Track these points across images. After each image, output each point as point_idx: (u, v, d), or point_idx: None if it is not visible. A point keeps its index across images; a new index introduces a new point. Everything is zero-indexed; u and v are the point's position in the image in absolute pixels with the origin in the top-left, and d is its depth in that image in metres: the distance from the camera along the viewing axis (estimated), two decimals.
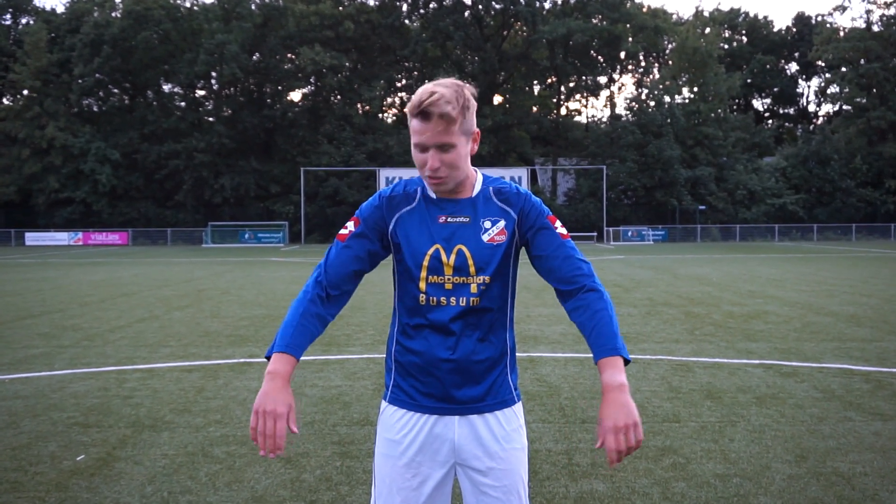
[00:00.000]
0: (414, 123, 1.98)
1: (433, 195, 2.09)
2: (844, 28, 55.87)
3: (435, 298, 2.03)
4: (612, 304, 2.01)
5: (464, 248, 2.03)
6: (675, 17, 63.74)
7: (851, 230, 49.02)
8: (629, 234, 47.17)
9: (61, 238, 46.73)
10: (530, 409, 5.52)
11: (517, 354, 2.21)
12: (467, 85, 2.01)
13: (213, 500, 3.86)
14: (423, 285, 2.04)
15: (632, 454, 4.48)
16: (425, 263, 2.03)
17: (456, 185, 2.05)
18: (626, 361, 1.91)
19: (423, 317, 2.05)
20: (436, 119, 1.94)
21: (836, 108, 60.63)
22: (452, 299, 2.03)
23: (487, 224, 2.05)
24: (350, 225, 2.11)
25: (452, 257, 2.02)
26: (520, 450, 2.09)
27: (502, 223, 2.06)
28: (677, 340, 8.57)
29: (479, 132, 2.06)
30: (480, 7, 54.19)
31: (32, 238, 46.75)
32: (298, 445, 4.73)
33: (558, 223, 2.09)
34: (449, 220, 2.05)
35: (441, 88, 1.94)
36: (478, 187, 2.10)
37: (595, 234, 48.43)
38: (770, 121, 66.97)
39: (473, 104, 2.01)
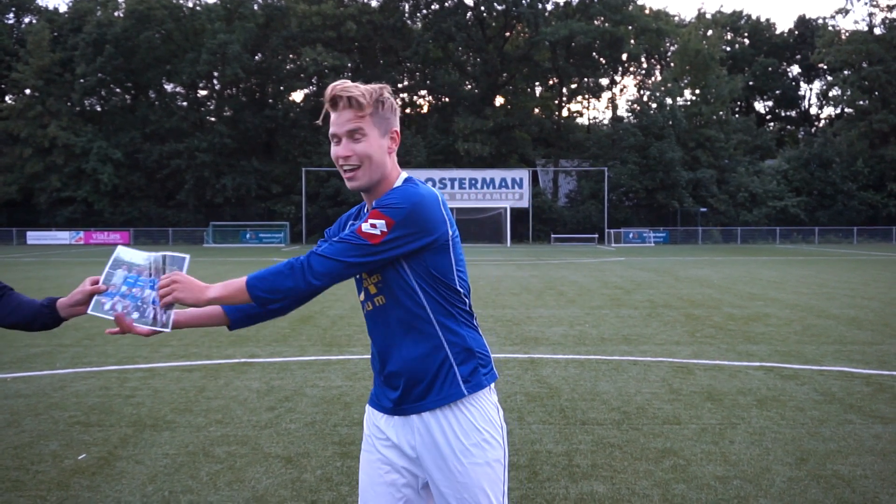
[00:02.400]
0: (330, 118, 2.05)
1: (366, 210, 2.17)
2: (846, 31, 55.85)
3: (365, 302, 2.15)
4: (300, 269, 1.94)
5: None
6: (677, 19, 63.73)
7: (853, 233, 48.99)
8: (630, 235, 47.16)
9: (63, 237, 46.76)
10: (531, 410, 5.53)
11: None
12: (388, 87, 2.08)
13: (214, 500, 3.87)
14: (362, 295, 2.16)
15: (633, 456, 4.49)
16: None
17: (373, 183, 2.05)
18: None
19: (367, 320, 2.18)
20: (343, 104, 2.00)
21: (838, 110, 60.58)
22: (368, 303, 2.13)
23: None
24: None
25: None
26: (482, 465, 2.03)
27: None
28: (678, 342, 8.58)
29: (398, 132, 2.08)
30: (482, 8, 54.20)
31: (34, 237, 46.78)
32: (299, 445, 4.74)
33: (377, 222, 1.93)
34: None
35: (352, 82, 2.03)
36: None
37: (596, 235, 48.43)
38: (772, 123, 66.93)
39: (395, 106, 2.08)
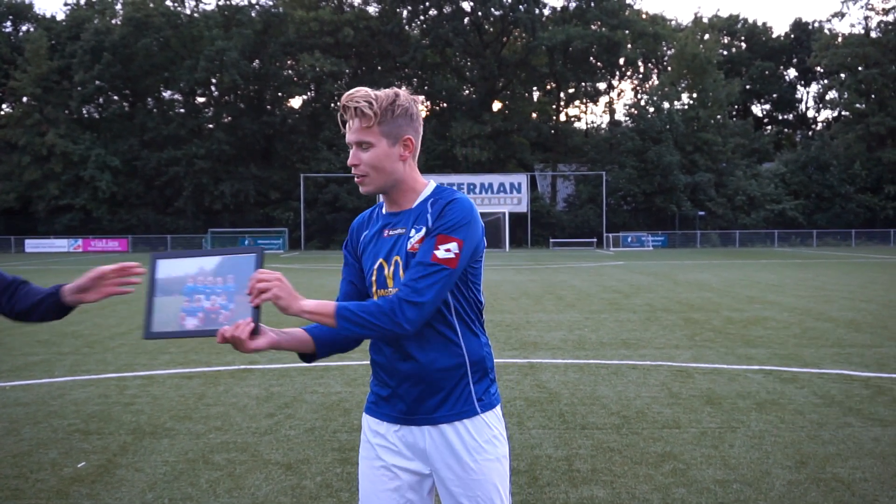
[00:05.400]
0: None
1: (384, 211, 2.14)
2: (843, 34, 56.09)
3: None
4: (391, 313, 1.90)
5: (398, 259, 2.04)
6: (673, 23, 63.88)
7: (851, 236, 49.06)
8: (629, 239, 47.21)
9: (61, 245, 46.74)
10: (530, 415, 5.53)
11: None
12: (406, 93, 2.03)
13: None
14: (375, 299, 2.05)
15: (633, 460, 4.49)
16: (373, 279, 2.08)
17: (384, 189, 2.06)
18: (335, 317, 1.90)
19: None
20: (351, 115, 2.01)
21: (835, 113, 60.78)
22: None
23: (413, 232, 2.03)
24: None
25: (391, 269, 2.05)
26: (493, 460, 2.06)
27: (424, 230, 2.02)
28: (677, 346, 8.58)
29: (412, 139, 2.04)
30: (480, 14, 54.33)
31: (32, 245, 46.76)
32: (299, 452, 4.73)
33: (450, 245, 1.94)
34: (390, 233, 2.08)
35: (367, 89, 2.00)
36: (423, 197, 2.08)
37: (595, 240, 48.48)
38: (769, 127, 67.05)
39: (412, 111, 2.03)
